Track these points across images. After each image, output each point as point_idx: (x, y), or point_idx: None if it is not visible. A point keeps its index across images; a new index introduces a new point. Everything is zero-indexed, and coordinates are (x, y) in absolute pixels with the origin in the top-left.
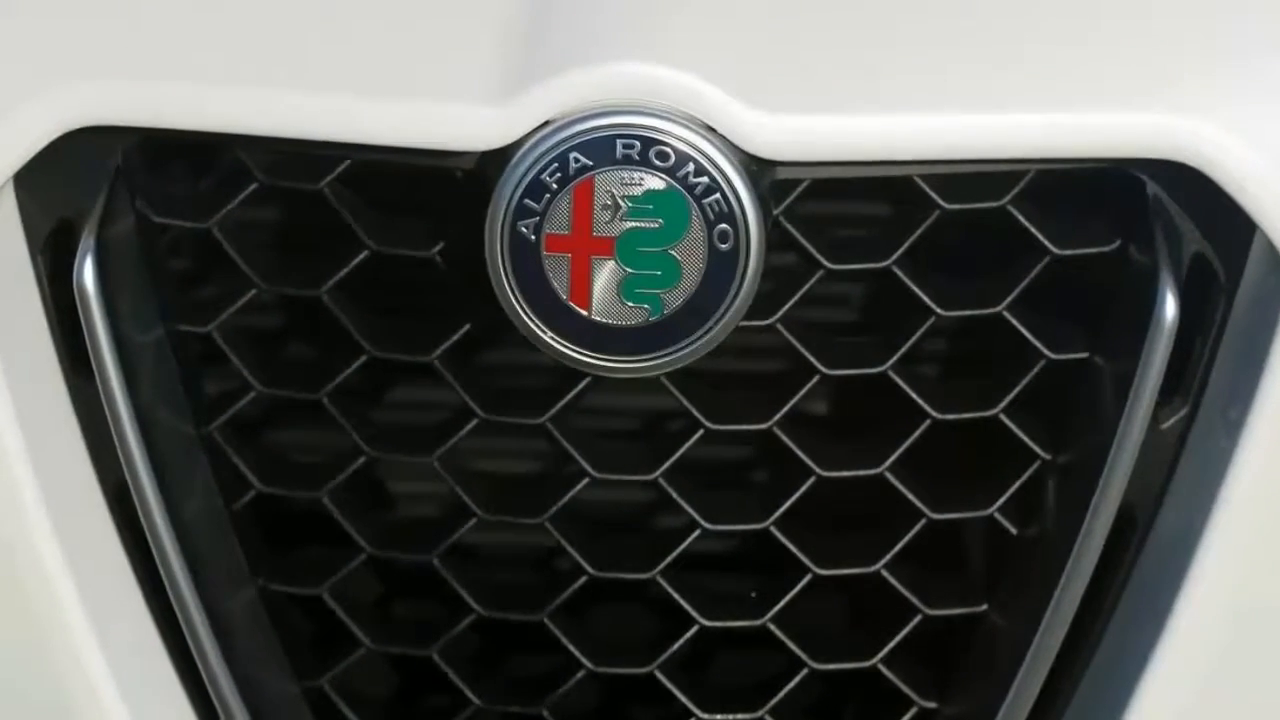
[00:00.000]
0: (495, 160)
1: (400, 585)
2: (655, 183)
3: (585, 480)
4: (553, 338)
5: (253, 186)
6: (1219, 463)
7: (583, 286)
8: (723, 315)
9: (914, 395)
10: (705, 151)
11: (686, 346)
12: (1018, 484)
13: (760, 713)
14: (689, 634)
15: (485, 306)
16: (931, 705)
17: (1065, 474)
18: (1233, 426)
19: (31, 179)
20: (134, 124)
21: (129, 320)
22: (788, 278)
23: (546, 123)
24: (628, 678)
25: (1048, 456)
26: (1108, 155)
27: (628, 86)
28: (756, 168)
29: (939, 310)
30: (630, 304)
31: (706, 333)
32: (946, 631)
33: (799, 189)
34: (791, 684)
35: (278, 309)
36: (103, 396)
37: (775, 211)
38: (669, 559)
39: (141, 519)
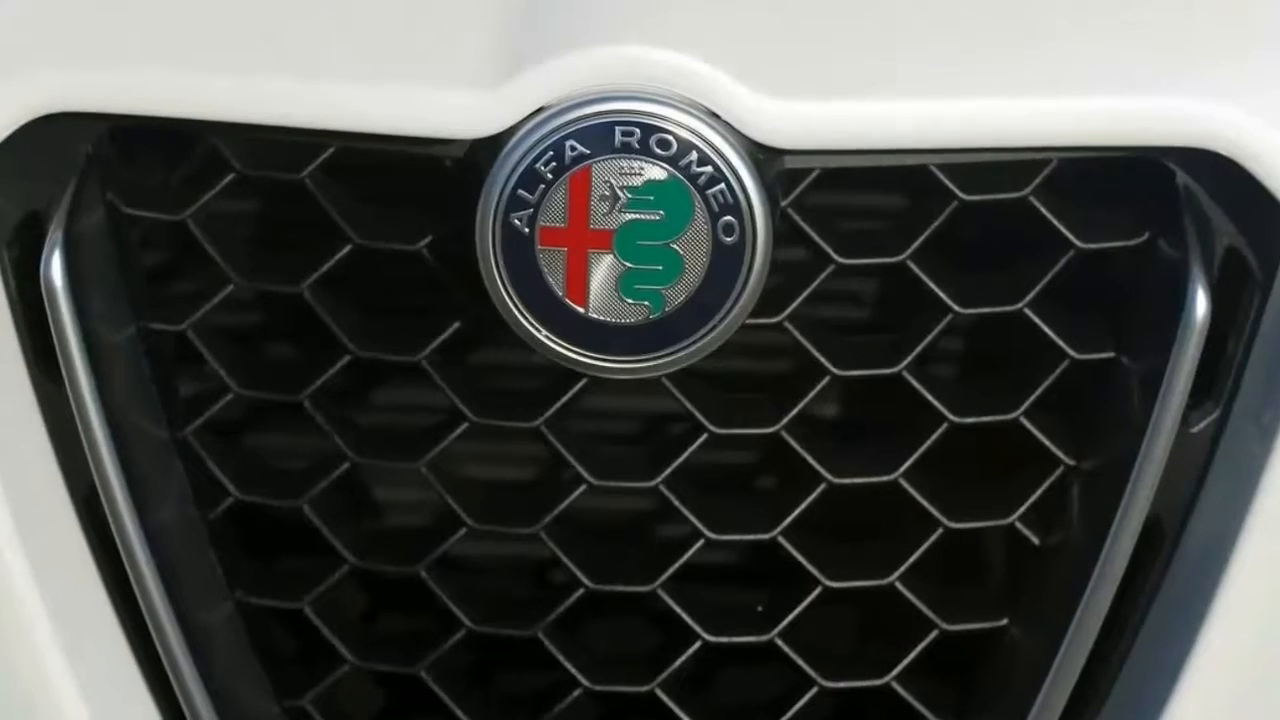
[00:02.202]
0: (487, 148)
1: (386, 598)
2: (656, 172)
3: (582, 487)
4: (547, 336)
5: (230, 176)
6: (1252, 469)
7: (579, 282)
8: (727, 313)
9: (930, 397)
10: (709, 139)
11: (689, 345)
12: (1039, 491)
13: None
14: (692, 650)
15: (476, 303)
16: None
17: (1090, 481)
18: (1267, 430)
19: None
20: (105, 110)
21: (99, 318)
22: (796, 273)
23: (541, 109)
24: (627, 696)
25: (1071, 462)
26: (1135, 143)
27: (627, 70)
28: (763, 156)
29: (956, 307)
30: (629, 301)
31: (710, 331)
32: (964, 647)
33: (808, 179)
34: (800, 703)
35: (256, 306)
36: (71, 399)
37: (783, 203)
38: (671, 570)
39: (112, 528)
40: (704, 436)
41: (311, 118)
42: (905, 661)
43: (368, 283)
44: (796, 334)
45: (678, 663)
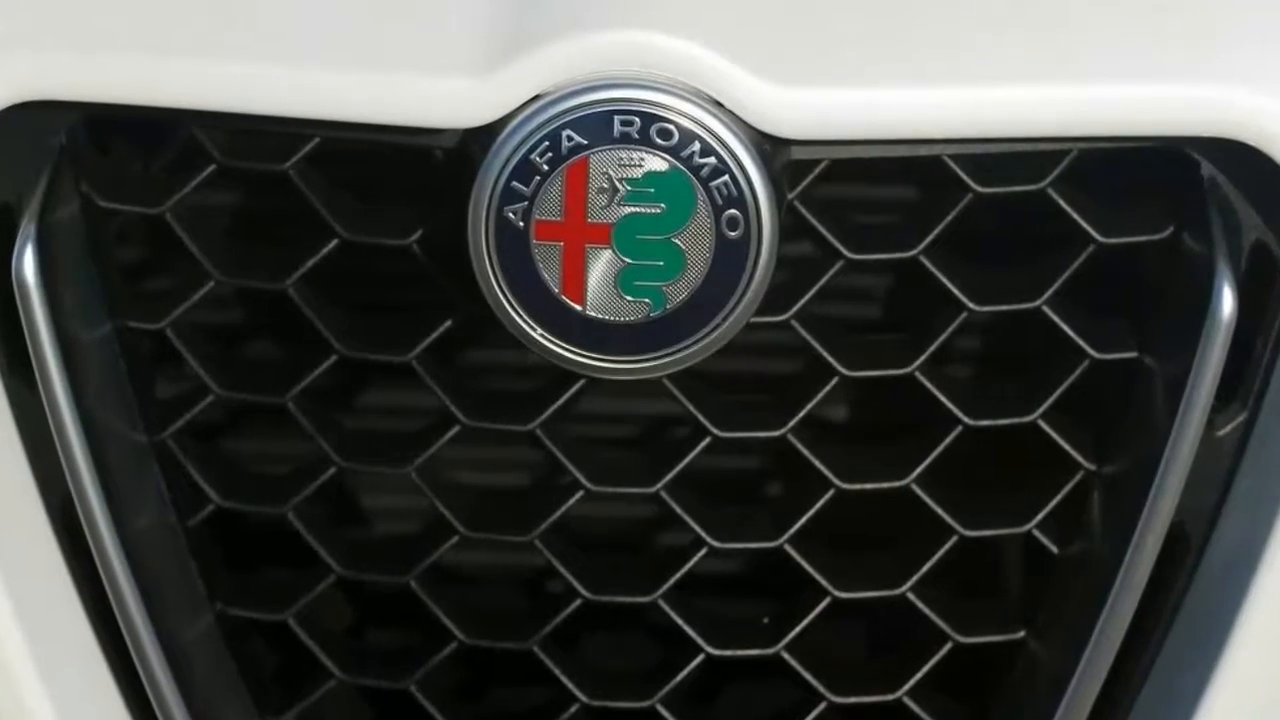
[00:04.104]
0: (479, 139)
1: (374, 610)
2: (657, 163)
3: (579, 493)
4: (543, 335)
5: (210, 168)
6: None
7: (576, 279)
8: (731, 310)
9: (943, 399)
10: (712, 129)
11: (691, 345)
12: (1059, 498)
13: None
14: (694, 663)
15: (468, 301)
16: None
17: (1111, 486)
18: None
19: None
20: (79, 99)
21: (74, 316)
22: (803, 269)
23: (536, 97)
24: (627, 712)
25: (1092, 467)
26: (1158, 132)
27: (627, 57)
28: (769, 147)
29: (971, 305)
30: (629, 298)
31: (713, 330)
32: (980, 661)
33: (816, 170)
34: (808, 719)
35: (238, 304)
36: (45, 401)
37: (790, 195)
38: (672, 581)
39: (88, 537)
40: (707, 440)
41: (295, 106)
42: (918, 676)
43: (355, 279)
44: (804, 333)
45: (679, 677)
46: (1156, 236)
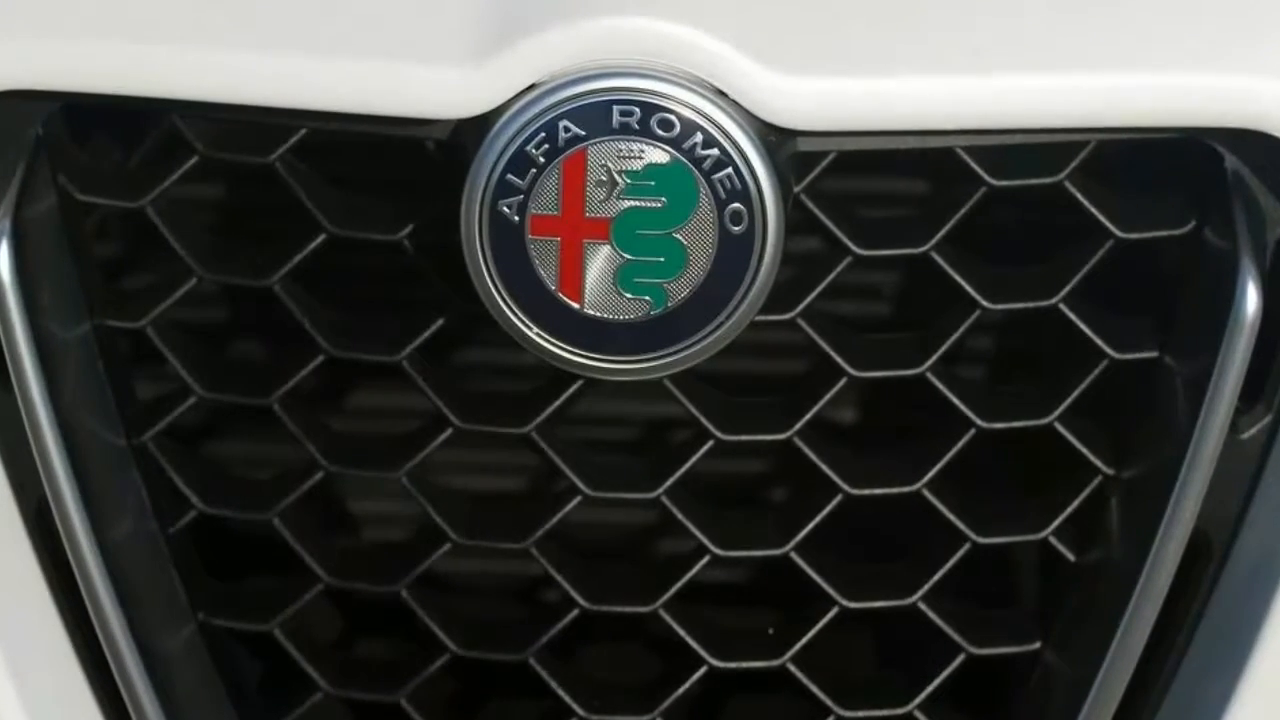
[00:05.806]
0: (473, 130)
1: (363, 620)
2: (657, 155)
3: (577, 499)
4: (539, 334)
5: (192, 160)
6: None
7: (574, 275)
8: (735, 308)
9: (956, 401)
10: (715, 120)
11: (693, 344)
12: (1076, 503)
13: None
14: (696, 676)
15: (461, 299)
16: None
17: (1131, 491)
18: None
19: None
20: (55, 88)
21: (50, 314)
22: (810, 265)
23: (532, 86)
24: None
25: (1110, 471)
26: (1180, 123)
27: (626, 45)
28: (774, 138)
29: (985, 303)
30: (628, 295)
31: (716, 328)
32: (994, 673)
33: (823, 163)
34: None
35: (222, 301)
36: (20, 402)
37: (796, 189)
38: (673, 590)
39: (65, 544)
40: (709, 444)
41: (282, 96)
42: (930, 689)
43: (343, 276)
44: (810, 332)
45: (681, 690)
46: (1178, 231)
